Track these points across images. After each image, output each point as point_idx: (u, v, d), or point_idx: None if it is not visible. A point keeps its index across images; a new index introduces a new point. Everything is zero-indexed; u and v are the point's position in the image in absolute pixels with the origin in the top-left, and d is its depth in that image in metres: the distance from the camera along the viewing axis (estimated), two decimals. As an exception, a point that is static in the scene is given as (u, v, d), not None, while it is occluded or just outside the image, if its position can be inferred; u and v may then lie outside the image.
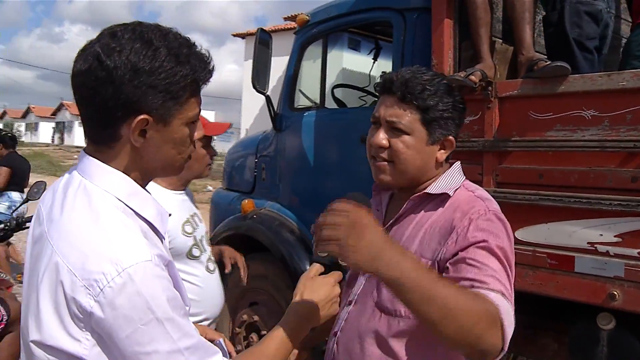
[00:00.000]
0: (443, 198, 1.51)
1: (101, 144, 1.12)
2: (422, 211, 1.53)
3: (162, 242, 1.19)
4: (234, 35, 20.97)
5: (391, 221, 1.58)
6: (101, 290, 0.98)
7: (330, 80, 4.13)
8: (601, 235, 2.22)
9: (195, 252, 2.26)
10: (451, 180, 1.54)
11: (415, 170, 1.52)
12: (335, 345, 1.57)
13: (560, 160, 2.34)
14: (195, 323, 2.34)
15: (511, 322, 1.23)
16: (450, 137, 1.53)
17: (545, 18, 2.90)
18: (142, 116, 1.07)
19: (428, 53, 2.83)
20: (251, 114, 17.61)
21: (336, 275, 1.40)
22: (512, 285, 1.35)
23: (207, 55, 1.17)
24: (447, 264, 1.36)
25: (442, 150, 1.54)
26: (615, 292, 2.15)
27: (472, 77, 2.50)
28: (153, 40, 1.07)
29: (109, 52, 1.04)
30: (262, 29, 3.77)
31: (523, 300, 2.49)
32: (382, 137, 1.49)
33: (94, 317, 0.98)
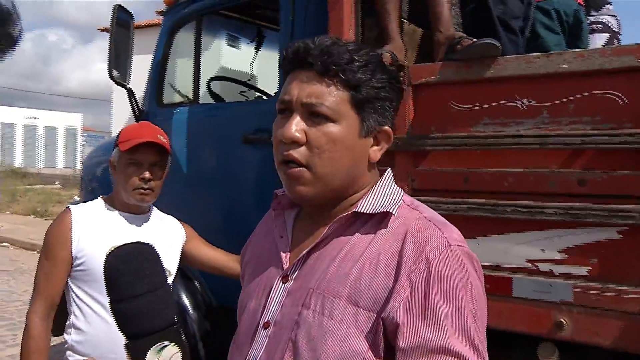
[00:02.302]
0: (381, 218, 1.05)
1: None
2: (354, 235, 1.06)
3: None
4: (102, 30, 19.41)
5: (306, 250, 1.08)
6: None
7: (206, 74, 3.51)
8: (543, 251, 1.83)
9: None
10: (389, 192, 1.10)
11: (344, 176, 1.06)
12: None
13: (490, 161, 1.93)
14: None
15: None
16: (387, 128, 1.08)
17: (467, -6, 2.51)
18: None
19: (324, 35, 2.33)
20: (123, 117, 16.40)
21: None
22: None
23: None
24: (398, 342, 0.94)
25: (377, 147, 1.08)
26: (562, 320, 1.76)
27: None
28: None
29: None
30: (119, 6, 3.06)
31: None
32: (294, 127, 1.02)
33: None
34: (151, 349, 0.87)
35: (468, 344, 0.92)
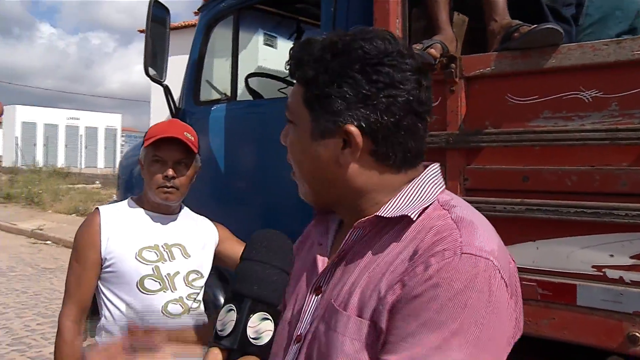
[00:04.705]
0: (406, 223, 0.91)
1: None
2: (379, 243, 0.94)
3: None
4: (141, 32, 19.67)
5: (332, 261, 0.99)
6: None
7: (244, 72, 3.42)
8: (612, 256, 1.67)
9: (151, 285, 1.86)
10: (419, 193, 0.94)
11: (316, 181, 0.98)
12: None
13: (551, 158, 1.78)
14: None
15: None
16: (350, 127, 0.89)
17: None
18: None
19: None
20: (161, 117, 16.57)
21: None
22: None
23: None
24: (386, 338, 0.83)
25: (348, 149, 0.91)
26: (636, 334, 1.61)
27: (432, 51, 1.90)
28: None
29: None
30: (155, 1, 2.99)
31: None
32: (282, 135, 1.03)
33: None
34: (257, 313, 0.83)
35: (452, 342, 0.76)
